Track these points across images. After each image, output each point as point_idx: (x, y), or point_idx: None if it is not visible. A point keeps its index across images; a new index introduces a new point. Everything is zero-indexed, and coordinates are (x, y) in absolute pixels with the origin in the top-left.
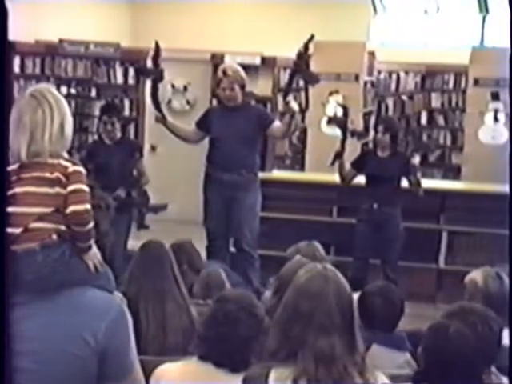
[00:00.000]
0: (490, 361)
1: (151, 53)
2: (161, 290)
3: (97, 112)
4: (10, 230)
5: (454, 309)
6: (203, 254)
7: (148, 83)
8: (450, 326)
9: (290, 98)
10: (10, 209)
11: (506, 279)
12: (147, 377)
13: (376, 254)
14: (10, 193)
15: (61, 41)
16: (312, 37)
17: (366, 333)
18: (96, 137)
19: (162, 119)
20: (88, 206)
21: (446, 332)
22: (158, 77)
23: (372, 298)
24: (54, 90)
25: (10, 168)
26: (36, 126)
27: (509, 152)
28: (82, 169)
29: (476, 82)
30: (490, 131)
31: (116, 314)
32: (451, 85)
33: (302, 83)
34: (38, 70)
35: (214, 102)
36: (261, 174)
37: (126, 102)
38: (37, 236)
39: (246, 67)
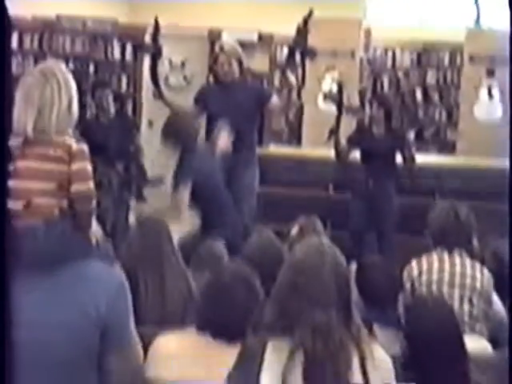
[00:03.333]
0: None
1: (150, 29)
2: (159, 261)
3: None
4: (12, 203)
5: None
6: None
7: (146, 60)
8: (428, 298)
9: (288, 71)
10: (12, 183)
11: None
12: (146, 347)
13: (371, 228)
14: (12, 167)
15: (58, 17)
16: (311, 12)
17: (365, 310)
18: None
19: (159, 95)
20: (91, 185)
21: (425, 304)
22: (156, 53)
23: (372, 271)
24: (63, 67)
25: (14, 142)
26: (44, 103)
27: (508, 130)
28: (85, 147)
29: (471, 59)
30: (484, 107)
31: (117, 286)
32: (447, 62)
33: (298, 59)
34: (35, 46)
35: (211, 78)
36: (258, 150)
37: (124, 79)
38: (40, 212)
39: (243, 44)
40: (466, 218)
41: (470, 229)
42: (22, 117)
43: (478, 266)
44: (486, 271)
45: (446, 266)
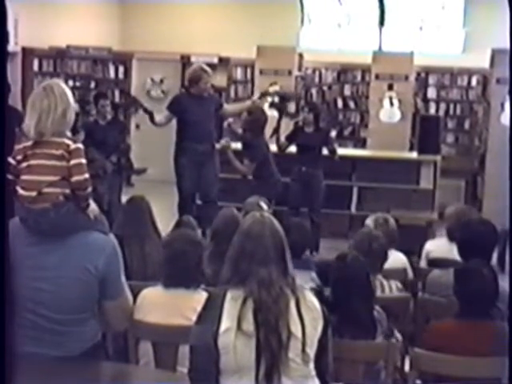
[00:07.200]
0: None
1: (136, 55)
2: (140, 235)
3: None
4: (27, 193)
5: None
6: (175, 208)
7: (133, 77)
8: (348, 255)
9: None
10: (26, 177)
11: (392, 221)
12: (134, 297)
13: (305, 204)
14: (25, 164)
15: (68, 46)
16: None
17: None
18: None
19: (152, 120)
20: (87, 176)
21: (344, 259)
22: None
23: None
24: (61, 83)
25: (26, 144)
26: (42, 112)
27: (405, 129)
28: (80, 146)
29: (377, 76)
30: (387, 113)
31: (111, 250)
32: (359, 78)
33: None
34: (51, 69)
35: (183, 91)
36: (218, 145)
37: (116, 92)
38: (49, 198)
39: (207, 65)
40: (377, 247)
41: (382, 254)
42: (28, 122)
43: (392, 283)
44: (393, 286)
45: None
